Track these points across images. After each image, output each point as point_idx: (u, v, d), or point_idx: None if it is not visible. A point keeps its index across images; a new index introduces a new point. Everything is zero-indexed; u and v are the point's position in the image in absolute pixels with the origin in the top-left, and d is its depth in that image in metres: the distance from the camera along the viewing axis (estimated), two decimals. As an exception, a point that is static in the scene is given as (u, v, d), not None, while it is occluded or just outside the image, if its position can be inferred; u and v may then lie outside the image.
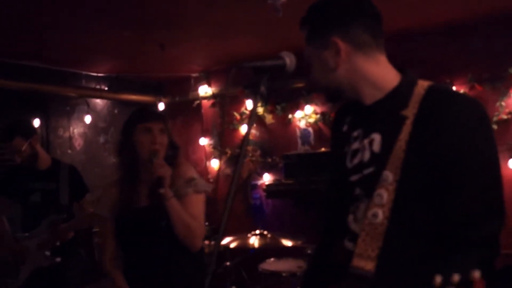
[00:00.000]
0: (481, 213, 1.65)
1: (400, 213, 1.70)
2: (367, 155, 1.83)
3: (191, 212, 3.01)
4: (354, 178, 1.87)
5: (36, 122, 6.10)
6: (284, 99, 6.61)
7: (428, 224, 1.70)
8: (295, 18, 1.99)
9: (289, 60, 1.84)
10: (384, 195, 1.70)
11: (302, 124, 6.57)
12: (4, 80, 5.60)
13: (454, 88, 5.41)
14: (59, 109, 6.54)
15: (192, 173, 3.19)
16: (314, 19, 1.88)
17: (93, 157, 6.90)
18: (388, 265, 1.70)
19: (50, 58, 6.07)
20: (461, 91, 5.41)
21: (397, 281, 1.71)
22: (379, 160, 1.76)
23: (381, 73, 1.84)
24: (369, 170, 1.81)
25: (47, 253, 4.21)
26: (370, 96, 1.85)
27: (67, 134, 6.59)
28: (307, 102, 6.46)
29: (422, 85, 1.79)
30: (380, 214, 1.70)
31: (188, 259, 3.09)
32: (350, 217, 1.89)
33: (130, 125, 3.12)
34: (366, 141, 1.84)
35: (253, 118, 1.88)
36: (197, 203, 3.11)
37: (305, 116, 6.49)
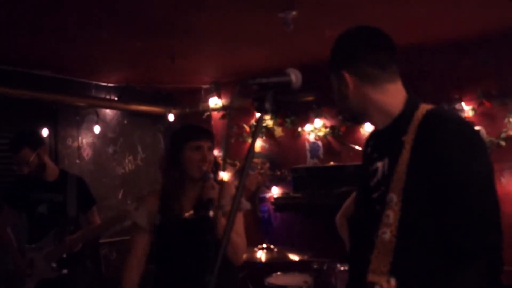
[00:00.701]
0: (476, 226, 1.78)
1: (406, 231, 1.86)
2: (380, 176, 2.04)
3: (235, 229, 3.05)
4: (374, 195, 2.08)
5: (45, 132, 6.10)
6: (294, 112, 6.60)
7: (432, 240, 1.85)
8: (305, 32, 2.02)
9: (295, 77, 1.83)
10: (391, 215, 1.87)
11: (311, 137, 6.55)
12: (13, 89, 5.60)
13: (463, 104, 5.41)
14: (68, 118, 6.54)
15: (234, 190, 3.21)
16: (331, 54, 2.14)
17: (102, 167, 6.90)
18: (399, 279, 1.86)
19: (60, 68, 6.09)
20: (470, 107, 5.43)
21: None
22: (386, 182, 1.96)
23: (388, 101, 2.05)
24: (381, 190, 2.01)
25: (54, 265, 4.20)
26: (380, 122, 2.09)
27: (75, 144, 6.59)
28: (317, 116, 6.45)
29: (423, 109, 1.97)
30: (388, 232, 1.87)
31: (229, 274, 3.13)
32: (375, 232, 2.02)
33: (180, 142, 3.12)
34: (379, 164, 2.06)
35: (257, 133, 1.93)
36: (240, 220, 3.17)
37: (315, 129, 6.48)
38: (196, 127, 3.28)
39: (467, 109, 5.42)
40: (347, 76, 2.04)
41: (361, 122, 2.21)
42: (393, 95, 2.05)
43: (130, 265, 3.11)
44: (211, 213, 2.91)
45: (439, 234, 1.82)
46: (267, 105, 1.78)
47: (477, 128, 2.06)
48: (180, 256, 3.05)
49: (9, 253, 4.34)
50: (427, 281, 1.84)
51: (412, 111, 1.97)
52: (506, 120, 5.26)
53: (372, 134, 2.26)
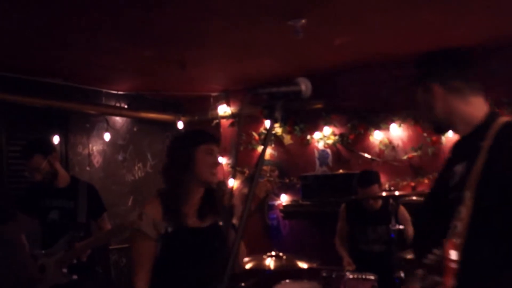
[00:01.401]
0: None
1: (476, 224, 2.09)
2: (458, 178, 2.25)
3: None
4: (451, 196, 2.27)
5: (56, 139, 6.14)
6: (303, 120, 6.62)
7: (499, 231, 2.09)
8: (314, 40, 2.02)
9: (305, 86, 1.83)
10: (463, 210, 2.11)
11: (320, 145, 6.57)
12: (25, 97, 5.67)
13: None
14: (78, 126, 6.59)
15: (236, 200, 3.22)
16: (420, 69, 2.44)
17: (112, 174, 6.94)
18: (469, 267, 2.08)
19: (71, 76, 6.14)
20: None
21: (477, 280, 2.11)
22: (463, 182, 2.18)
23: (470, 112, 2.31)
24: (458, 190, 2.20)
25: (64, 270, 4.22)
26: (462, 130, 2.34)
27: (86, 151, 6.64)
28: (326, 123, 6.46)
29: (501, 120, 2.24)
30: (460, 225, 2.11)
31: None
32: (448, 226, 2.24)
33: (192, 145, 3.07)
34: (459, 167, 2.29)
35: (267, 141, 1.91)
36: None
37: (324, 137, 6.50)
38: (204, 131, 3.25)
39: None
40: (436, 88, 2.32)
41: (444, 131, 2.56)
42: (476, 107, 2.32)
43: (142, 278, 2.96)
44: (234, 220, 2.93)
45: (506, 227, 2.05)
46: (277, 114, 1.77)
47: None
48: (188, 264, 3.00)
49: (22, 258, 4.36)
50: (491, 269, 2.09)
51: (491, 122, 2.24)
52: (517, 128, 5.23)
53: (455, 142, 2.50)
